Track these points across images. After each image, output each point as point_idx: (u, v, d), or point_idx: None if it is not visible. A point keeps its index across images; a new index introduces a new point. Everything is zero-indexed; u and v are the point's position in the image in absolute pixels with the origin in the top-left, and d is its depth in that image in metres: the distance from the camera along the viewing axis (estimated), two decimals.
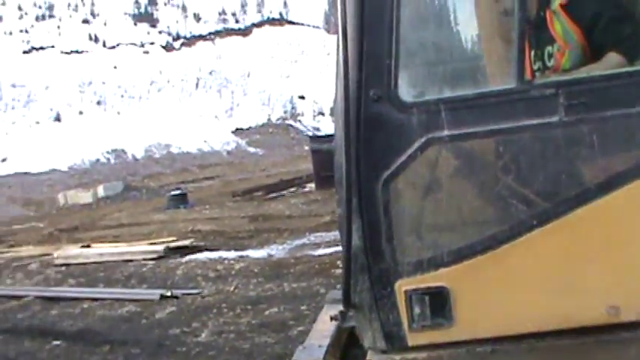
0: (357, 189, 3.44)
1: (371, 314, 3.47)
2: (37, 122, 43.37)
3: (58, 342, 9.79)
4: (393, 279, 3.43)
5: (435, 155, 3.43)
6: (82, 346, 9.42)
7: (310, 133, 40.00)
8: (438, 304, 3.39)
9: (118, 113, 46.76)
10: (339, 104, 3.53)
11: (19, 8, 54.82)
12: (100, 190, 32.84)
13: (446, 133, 3.40)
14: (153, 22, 60.11)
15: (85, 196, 32.44)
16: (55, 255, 16.76)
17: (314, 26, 64.12)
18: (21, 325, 11.09)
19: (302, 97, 51.93)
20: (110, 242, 18.10)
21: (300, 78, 52.54)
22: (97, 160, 40.02)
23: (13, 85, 44.86)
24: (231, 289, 11.60)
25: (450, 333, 3.40)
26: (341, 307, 3.75)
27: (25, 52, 47.86)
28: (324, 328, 4.12)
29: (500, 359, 3.31)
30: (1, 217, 30.37)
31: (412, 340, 3.43)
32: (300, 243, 15.23)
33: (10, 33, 48.48)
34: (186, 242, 16.47)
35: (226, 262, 14.05)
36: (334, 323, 4.09)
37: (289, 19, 64.70)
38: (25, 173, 36.86)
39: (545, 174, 3.42)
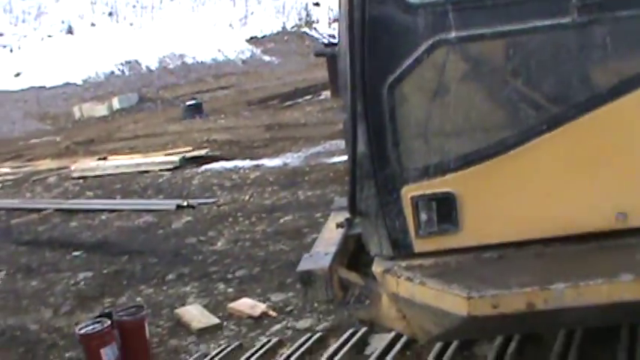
0: (361, 94, 3.36)
1: (377, 221, 3.44)
2: (49, 35, 43.06)
3: (77, 252, 9.95)
4: (398, 185, 3.38)
5: (443, 58, 3.33)
6: (101, 256, 9.56)
7: (326, 41, 39.44)
8: (445, 210, 3.35)
9: (131, 24, 46.29)
10: (343, 6, 3.42)
11: None
12: (115, 103, 32.82)
13: (453, 34, 3.30)
14: None
15: (100, 109, 32.46)
16: (73, 168, 16.88)
17: None
18: (42, 236, 11.26)
19: (317, 4, 51.09)
20: (126, 154, 18.18)
21: None
22: (111, 72, 39.81)
23: None
24: (247, 197, 11.66)
25: (457, 239, 3.37)
26: (347, 214, 3.72)
27: None
28: (330, 235, 4.11)
29: (508, 265, 3.28)
30: (19, 132, 30.55)
31: (418, 246, 3.41)
32: (315, 151, 15.21)
33: None
34: (202, 152, 16.51)
35: (242, 171, 14.09)
36: (341, 231, 4.08)
37: None
38: (40, 87, 36.78)
39: (555, 77, 3.33)
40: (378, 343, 5.19)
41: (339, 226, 3.99)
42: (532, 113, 3.33)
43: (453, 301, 3.08)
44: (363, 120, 3.36)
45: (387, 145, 3.36)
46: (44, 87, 36.92)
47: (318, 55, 24.13)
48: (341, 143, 14.31)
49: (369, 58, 3.32)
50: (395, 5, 3.32)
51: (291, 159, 14.70)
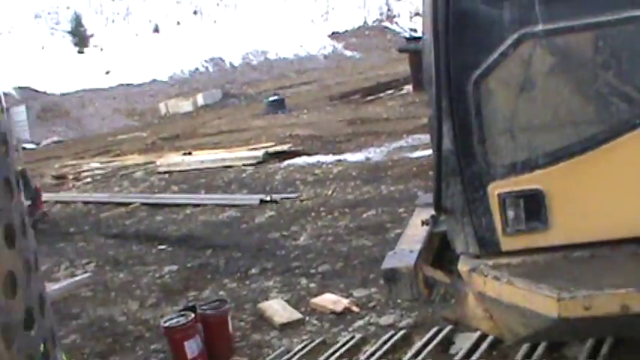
0: (447, 89, 3.29)
1: (463, 218, 3.37)
2: (137, 35, 44.10)
3: (163, 246, 10.13)
4: (485, 182, 3.31)
5: (529, 52, 3.23)
6: (186, 250, 9.71)
7: (407, 35, 39.24)
8: (533, 207, 3.25)
9: (215, 22, 46.98)
10: (427, 1, 3.36)
11: None
12: (200, 99, 33.41)
13: (540, 27, 3.19)
14: None
15: (185, 105, 33.09)
16: (158, 163, 17.24)
17: None
18: (129, 230, 11.52)
19: None
20: (210, 149, 18.45)
21: None
22: (196, 69, 40.54)
23: None
24: (329, 192, 11.66)
25: (546, 237, 3.27)
26: (432, 211, 3.66)
27: None
28: (415, 232, 4.05)
29: (600, 265, 3.16)
30: (108, 128, 31.38)
31: (506, 244, 3.32)
32: (397, 145, 15.13)
33: None
34: (285, 147, 16.62)
35: (324, 166, 14.11)
36: (425, 228, 4.02)
37: None
38: (128, 85, 37.77)
39: None
40: (463, 342, 5.10)
41: (424, 223, 3.93)
42: (624, 107, 3.20)
43: (543, 302, 2.99)
44: (448, 116, 3.30)
45: (473, 141, 3.28)
46: (132, 84, 37.88)
47: (401, 51, 24.06)
48: (423, 137, 14.25)
49: (454, 53, 3.25)
50: None
51: (374, 153, 14.66)
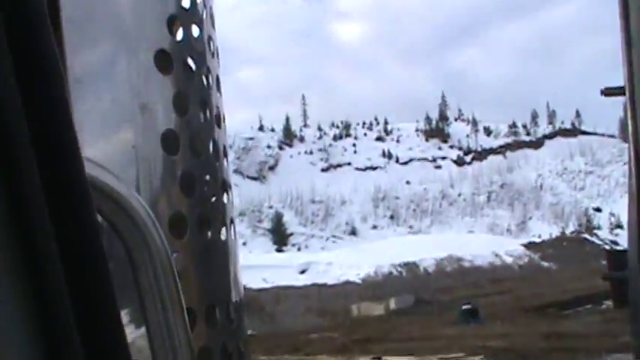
0: None
1: None
2: (334, 235, 45.86)
3: None
4: None
5: None
6: None
7: (607, 247, 38.09)
8: None
9: (410, 227, 48.08)
10: (633, 227, 3.37)
11: (319, 129, 58.74)
12: (392, 303, 33.58)
13: None
14: (444, 138, 61.65)
15: (377, 308, 33.33)
16: None
17: (609, 135, 61.94)
18: None
19: (598, 210, 49.98)
20: (400, 355, 18.29)
21: (595, 189, 50.71)
22: (390, 272, 41.06)
23: (313, 201, 48.21)
24: None
25: None
26: None
27: (323, 170, 51.29)
28: None
29: None
30: (300, 326, 32.04)
31: None
32: None
33: (311, 152, 52.44)
34: (476, 359, 16.21)
35: None
36: None
37: (582, 128, 63.15)
38: (322, 285, 38.76)
39: None
40: None
41: None
42: None
43: None
44: None
45: None
46: (326, 284, 38.89)
47: (606, 279, 23.25)
48: (625, 357, 13.45)
49: None
50: None
51: None
